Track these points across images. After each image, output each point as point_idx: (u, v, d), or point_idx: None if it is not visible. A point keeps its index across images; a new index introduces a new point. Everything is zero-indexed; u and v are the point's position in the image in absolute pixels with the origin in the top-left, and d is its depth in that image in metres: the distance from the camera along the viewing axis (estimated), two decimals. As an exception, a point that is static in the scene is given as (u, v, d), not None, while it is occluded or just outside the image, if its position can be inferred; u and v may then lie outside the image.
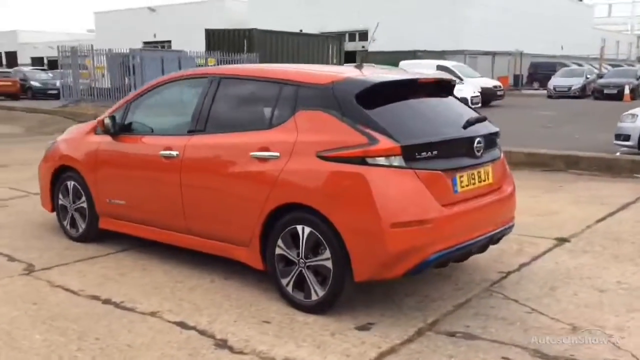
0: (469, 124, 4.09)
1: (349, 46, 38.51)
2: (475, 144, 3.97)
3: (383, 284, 4.13)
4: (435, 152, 3.73)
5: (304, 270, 3.89)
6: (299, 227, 3.86)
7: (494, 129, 4.38)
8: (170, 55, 21.99)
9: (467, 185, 3.94)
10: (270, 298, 4.12)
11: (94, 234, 5.45)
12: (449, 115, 4.21)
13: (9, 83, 28.96)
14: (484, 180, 4.11)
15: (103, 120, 5.09)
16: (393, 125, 3.73)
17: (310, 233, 3.81)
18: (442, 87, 4.50)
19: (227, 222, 4.36)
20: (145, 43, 41.27)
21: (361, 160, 3.61)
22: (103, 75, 21.11)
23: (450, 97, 4.47)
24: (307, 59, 26.70)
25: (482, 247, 4.17)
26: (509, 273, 4.69)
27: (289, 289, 3.98)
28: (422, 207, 3.62)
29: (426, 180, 3.66)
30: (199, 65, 22.05)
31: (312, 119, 3.92)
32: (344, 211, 3.69)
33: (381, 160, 3.60)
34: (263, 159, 4.03)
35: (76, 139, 5.58)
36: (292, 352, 3.37)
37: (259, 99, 4.35)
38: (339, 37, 31.16)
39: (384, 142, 3.60)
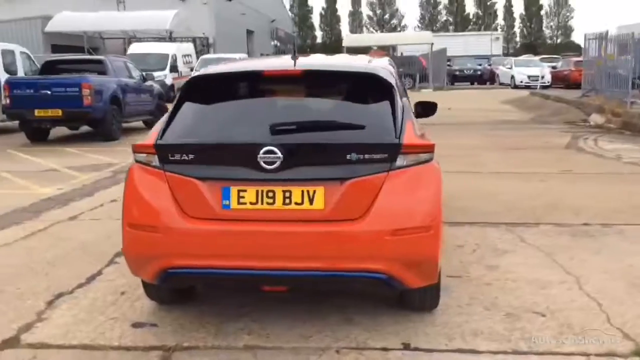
0: (279, 129, 3.26)
1: None
2: (260, 154, 3.10)
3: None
4: (192, 157, 3.21)
5: None
6: None
7: (350, 140, 3.21)
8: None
9: (252, 203, 3.17)
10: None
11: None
12: (278, 117, 3.48)
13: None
14: (298, 204, 3.13)
15: None
16: (179, 123, 3.44)
17: None
18: (353, 82, 3.66)
19: None
20: None
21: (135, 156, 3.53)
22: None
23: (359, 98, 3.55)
24: None
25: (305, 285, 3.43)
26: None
27: None
28: (157, 213, 3.26)
29: (175, 186, 3.26)
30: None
31: None
32: None
33: (148, 158, 3.38)
34: None
35: None
36: (66, 328, 3.60)
37: None
38: None
39: (150, 139, 3.41)
